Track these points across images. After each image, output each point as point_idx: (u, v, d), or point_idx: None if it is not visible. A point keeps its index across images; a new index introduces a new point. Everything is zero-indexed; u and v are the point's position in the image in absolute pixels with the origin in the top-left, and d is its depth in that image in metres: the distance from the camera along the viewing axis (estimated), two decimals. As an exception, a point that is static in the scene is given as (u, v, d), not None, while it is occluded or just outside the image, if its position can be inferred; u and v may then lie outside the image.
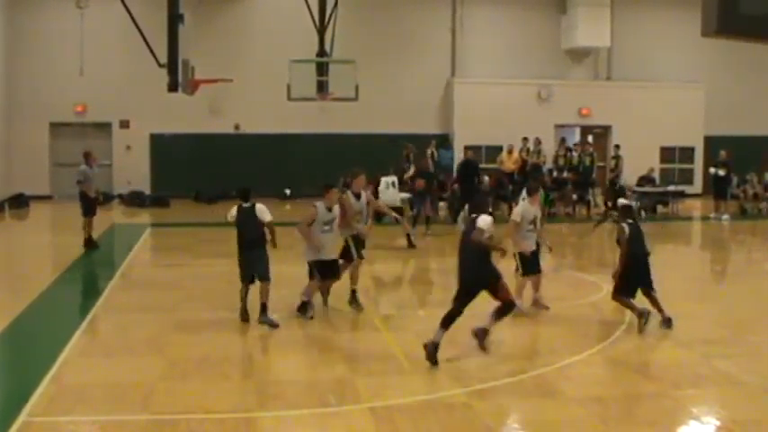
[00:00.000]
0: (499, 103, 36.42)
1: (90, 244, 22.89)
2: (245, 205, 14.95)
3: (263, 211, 14.85)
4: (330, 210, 15.25)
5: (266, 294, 14.69)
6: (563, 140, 34.73)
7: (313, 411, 10.64)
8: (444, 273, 21.27)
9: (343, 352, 13.63)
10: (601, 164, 35.83)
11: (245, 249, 14.75)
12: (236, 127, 36.32)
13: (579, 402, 10.75)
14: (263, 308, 14.65)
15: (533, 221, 15.32)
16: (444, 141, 36.31)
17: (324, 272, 15.36)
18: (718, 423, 10.28)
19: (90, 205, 22.90)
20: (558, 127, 37.74)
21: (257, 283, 14.73)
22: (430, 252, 23.85)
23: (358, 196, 15.95)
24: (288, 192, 34.69)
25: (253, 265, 14.73)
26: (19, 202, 33.60)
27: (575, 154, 33.32)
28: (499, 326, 12.61)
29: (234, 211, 14.93)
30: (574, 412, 10.41)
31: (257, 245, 14.77)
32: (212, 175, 35.60)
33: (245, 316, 14.70)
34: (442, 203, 30.80)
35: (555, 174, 32.42)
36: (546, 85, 37.63)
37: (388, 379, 11.95)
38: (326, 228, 15.18)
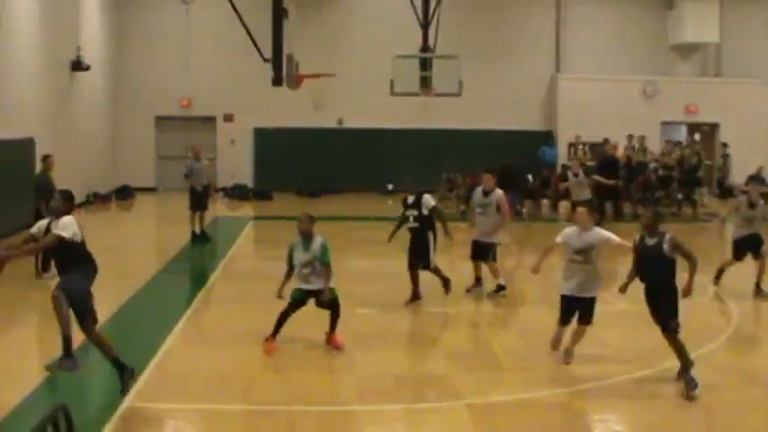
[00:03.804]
0: (604, 100, 35.93)
1: (195, 238, 23.08)
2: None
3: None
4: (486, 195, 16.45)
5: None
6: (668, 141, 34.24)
7: (411, 407, 10.64)
8: (547, 269, 21.08)
9: (443, 348, 13.58)
10: (708, 162, 35.20)
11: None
12: (339, 122, 36.46)
13: (682, 407, 10.53)
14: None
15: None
16: (548, 138, 36.02)
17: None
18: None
19: (196, 199, 23.17)
20: (665, 124, 37.16)
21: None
22: (533, 249, 23.65)
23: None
24: (390, 187, 34.69)
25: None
26: (125, 194, 34.20)
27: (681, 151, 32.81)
28: (602, 327, 12.39)
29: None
30: (676, 417, 10.22)
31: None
32: (315, 169, 35.78)
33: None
34: (545, 201, 30.56)
35: (660, 172, 31.87)
36: (652, 82, 37.06)
37: (488, 376, 11.89)
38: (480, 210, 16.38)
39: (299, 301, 12.92)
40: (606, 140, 31.13)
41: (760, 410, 10.52)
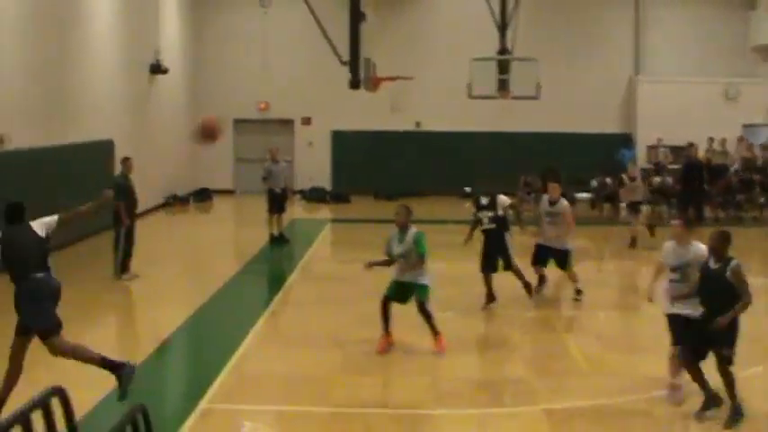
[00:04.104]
0: (683, 102, 35.43)
1: (273, 240, 23.17)
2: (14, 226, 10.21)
3: (43, 224, 10.16)
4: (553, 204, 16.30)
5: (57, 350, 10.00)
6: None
7: (488, 411, 10.56)
8: (623, 275, 20.88)
9: (521, 352, 13.49)
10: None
11: (22, 281, 9.92)
12: (417, 125, 36.41)
13: (766, 416, 10.30)
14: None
15: None
16: (627, 141, 35.65)
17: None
18: None
19: (274, 202, 23.26)
20: (746, 127, 36.57)
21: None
22: (610, 253, 23.44)
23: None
24: (468, 190, 34.54)
25: (28, 310, 9.93)
26: (203, 196, 34.47)
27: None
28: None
29: None
30: (759, 426, 9.99)
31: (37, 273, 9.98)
32: (392, 172, 35.77)
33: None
34: (623, 204, 30.17)
35: (741, 174, 31.36)
36: (733, 84, 36.52)
37: (566, 381, 11.76)
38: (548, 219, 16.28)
39: (392, 297, 12.91)
40: (691, 144, 30.63)
41: None
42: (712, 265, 10.17)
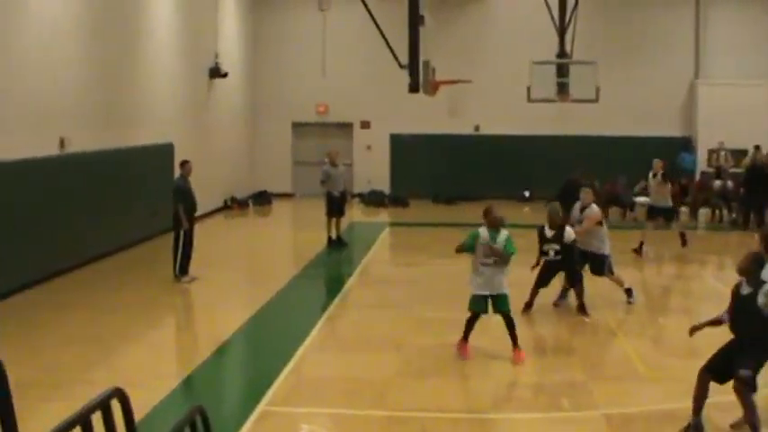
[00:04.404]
0: (744, 105, 34.95)
1: (331, 243, 23.23)
2: None
3: None
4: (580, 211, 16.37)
5: None
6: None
7: (547, 416, 10.51)
8: (685, 279, 20.66)
9: (580, 356, 13.40)
10: None
11: None
12: (476, 128, 36.30)
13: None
14: None
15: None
16: (687, 145, 35.32)
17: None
18: None
19: (332, 205, 23.29)
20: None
21: None
22: (670, 258, 23.22)
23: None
24: (527, 193, 34.45)
25: None
26: (262, 199, 34.63)
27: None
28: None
29: None
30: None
31: None
32: (451, 175, 35.70)
33: None
34: (683, 208, 29.92)
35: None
36: (797, 86, 36.04)
37: (625, 385, 11.67)
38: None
39: (478, 312, 12.79)
40: (757, 147, 30.20)
41: None
42: (744, 290, 9.49)
